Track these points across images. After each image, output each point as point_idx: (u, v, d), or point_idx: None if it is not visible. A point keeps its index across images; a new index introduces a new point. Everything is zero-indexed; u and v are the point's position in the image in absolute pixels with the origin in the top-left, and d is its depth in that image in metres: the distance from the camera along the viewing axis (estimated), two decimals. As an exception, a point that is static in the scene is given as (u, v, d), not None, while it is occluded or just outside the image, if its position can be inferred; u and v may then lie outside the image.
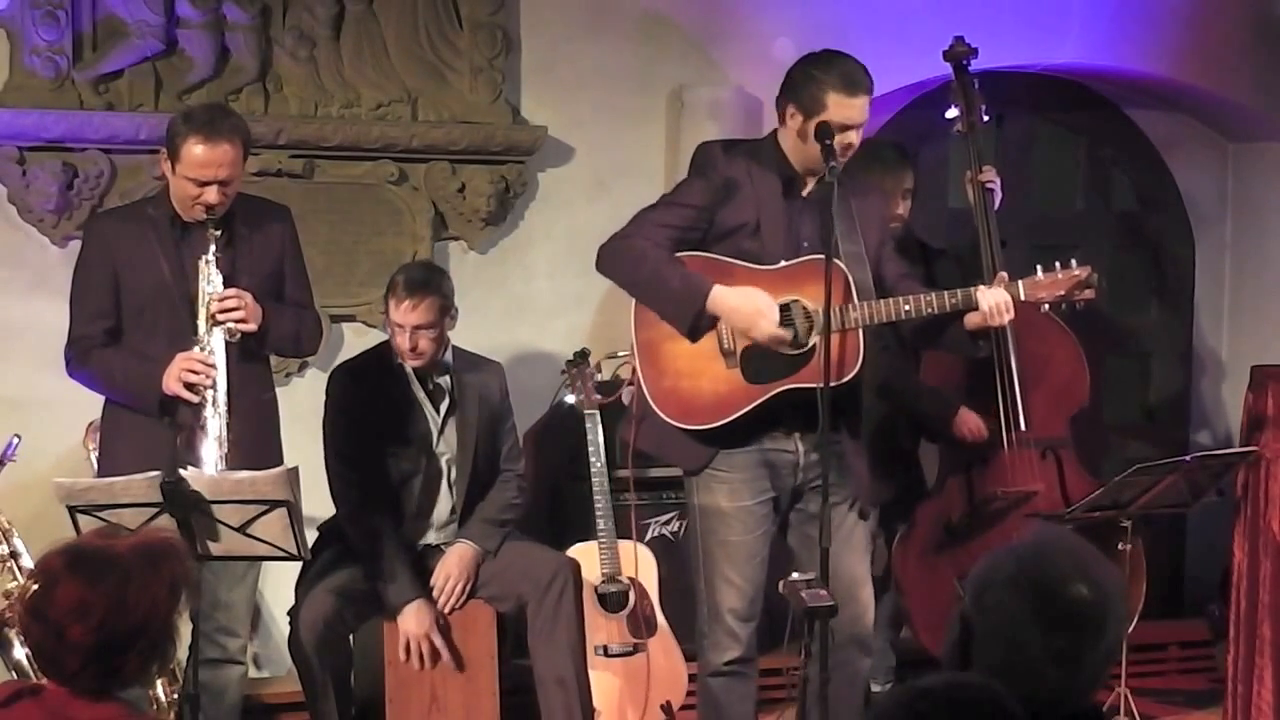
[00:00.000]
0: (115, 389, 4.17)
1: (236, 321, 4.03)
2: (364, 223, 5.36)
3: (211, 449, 3.98)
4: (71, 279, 4.23)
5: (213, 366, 4.01)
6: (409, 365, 4.55)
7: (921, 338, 4.36)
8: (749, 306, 3.98)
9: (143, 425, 4.11)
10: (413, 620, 4.46)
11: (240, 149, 4.08)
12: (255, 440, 4.15)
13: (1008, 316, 4.06)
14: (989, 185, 5.01)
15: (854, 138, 4.01)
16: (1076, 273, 4.11)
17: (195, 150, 4.00)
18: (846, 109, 3.99)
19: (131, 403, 4.14)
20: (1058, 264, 4.13)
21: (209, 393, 4.00)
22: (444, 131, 5.33)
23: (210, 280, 4.03)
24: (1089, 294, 4.13)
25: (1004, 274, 4.20)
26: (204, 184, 4.01)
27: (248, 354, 4.15)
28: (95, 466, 4.32)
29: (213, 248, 4.02)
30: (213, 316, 4.02)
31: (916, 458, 5.38)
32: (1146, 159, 6.56)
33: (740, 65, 5.60)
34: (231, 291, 4.03)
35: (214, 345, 4.03)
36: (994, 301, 4.03)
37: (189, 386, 4.01)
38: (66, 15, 4.97)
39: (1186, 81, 6.21)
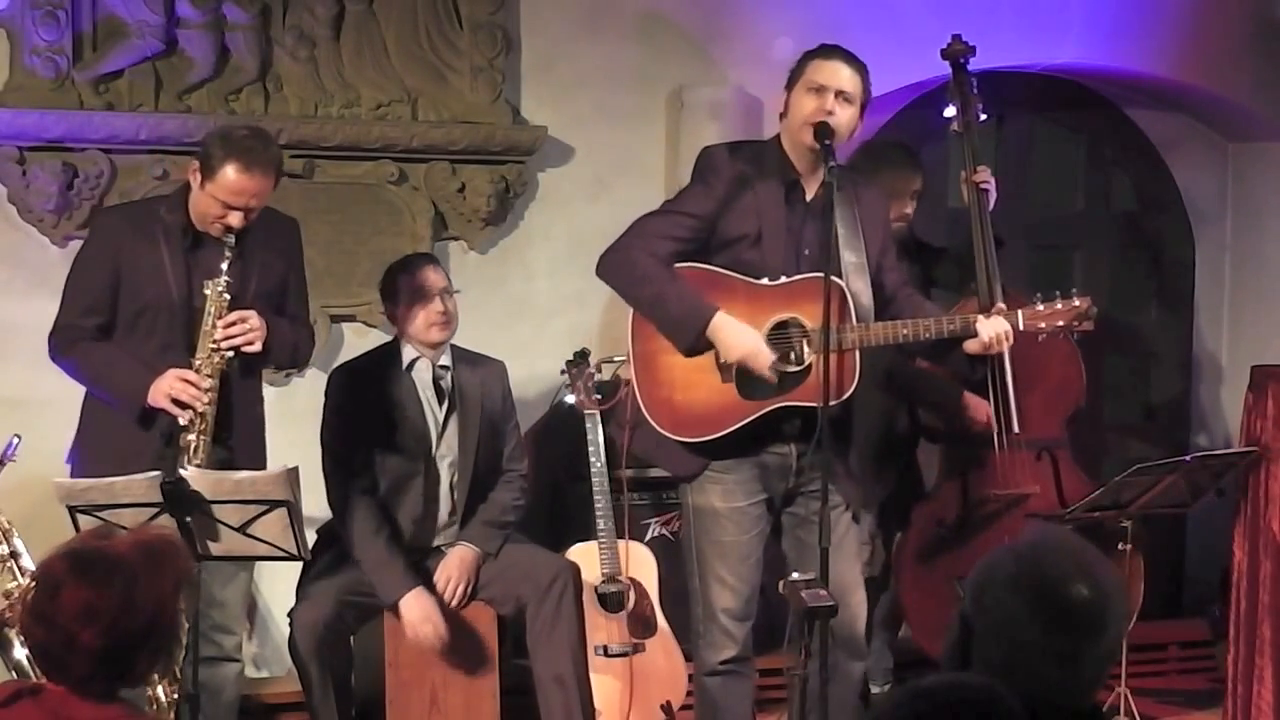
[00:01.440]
0: (98, 385, 4.15)
1: (243, 345, 4.02)
2: (364, 223, 5.36)
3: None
4: (71, 267, 4.22)
5: (205, 391, 4.00)
6: (435, 339, 4.56)
7: (924, 354, 4.40)
8: (743, 348, 3.99)
9: (124, 424, 4.09)
10: (414, 610, 4.44)
11: (274, 180, 4.08)
12: (245, 453, 4.15)
13: (1006, 345, 4.12)
14: (984, 185, 5.01)
15: (833, 103, 3.99)
16: (1076, 304, 4.15)
17: (230, 175, 3.98)
18: (819, 70, 4.02)
19: (111, 403, 4.12)
20: (1058, 294, 4.17)
21: (195, 417, 3.99)
22: (444, 131, 5.33)
23: (216, 304, 4.01)
24: (1087, 325, 4.18)
25: (1002, 305, 4.27)
26: (231, 208, 4.01)
27: (244, 368, 4.15)
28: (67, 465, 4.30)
29: (225, 266, 4.01)
30: (215, 342, 4.02)
31: (915, 459, 5.38)
32: (1146, 159, 6.56)
33: (740, 65, 5.61)
34: (235, 316, 4.02)
35: (209, 369, 4.02)
36: (994, 332, 4.08)
37: (177, 404, 3.99)
38: (66, 15, 4.97)
39: (1186, 81, 6.21)
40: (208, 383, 4.01)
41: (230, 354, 4.03)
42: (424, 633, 4.45)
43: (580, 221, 5.43)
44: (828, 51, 4.07)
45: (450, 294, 4.62)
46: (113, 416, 4.14)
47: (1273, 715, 4.86)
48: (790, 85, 4.07)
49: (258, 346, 4.06)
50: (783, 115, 4.11)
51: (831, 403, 3.88)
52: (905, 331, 4.03)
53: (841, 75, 4.02)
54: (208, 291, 4.02)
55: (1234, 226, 6.61)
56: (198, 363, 4.03)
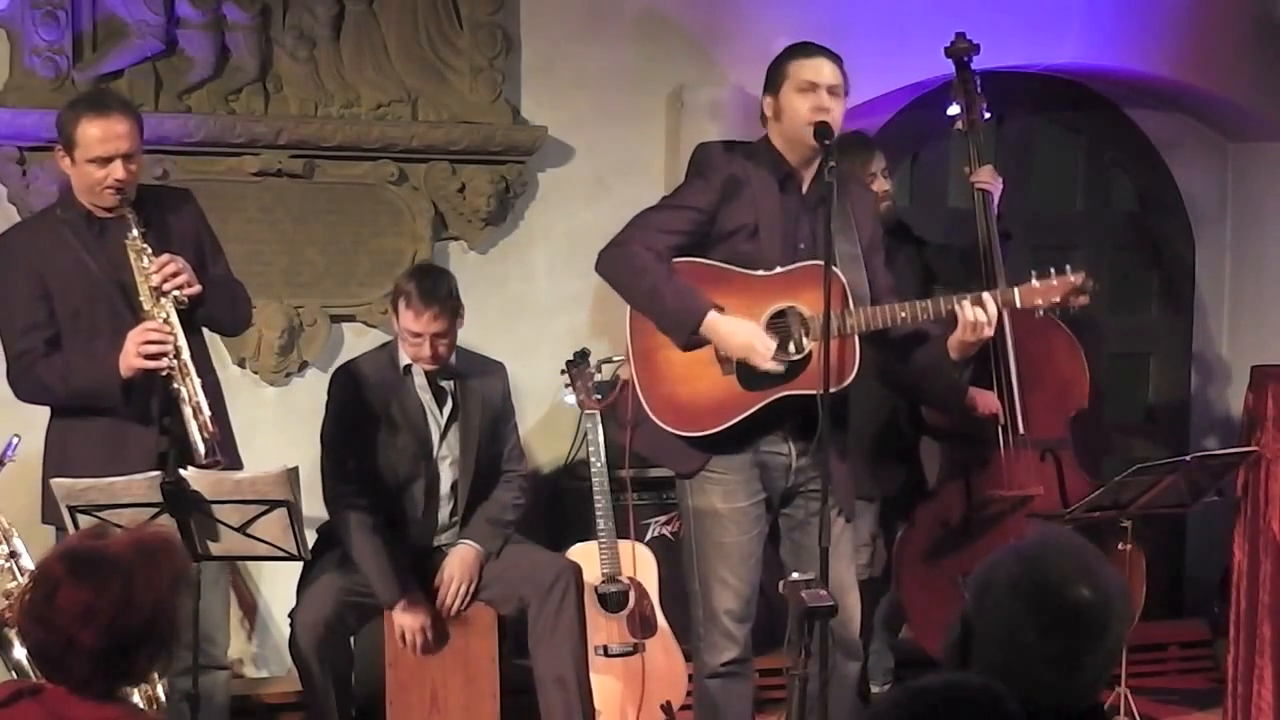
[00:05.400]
0: (72, 391, 4.06)
1: (183, 285, 3.95)
2: (364, 223, 5.36)
3: (191, 422, 3.90)
4: None
5: (171, 333, 3.93)
6: (424, 369, 4.57)
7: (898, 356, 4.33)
8: (741, 340, 3.99)
9: (97, 434, 4.05)
10: (407, 615, 4.48)
11: (133, 122, 4.02)
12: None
13: (987, 332, 4.03)
14: (982, 187, 5.02)
15: (827, 100, 4.02)
16: (1071, 279, 4.11)
17: (90, 130, 3.96)
18: (804, 68, 4.04)
19: (91, 400, 4.03)
20: (1053, 270, 4.13)
21: (174, 362, 3.92)
22: (444, 131, 5.33)
23: (142, 256, 3.95)
24: (1083, 300, 4.13)
25: (995, 293, 4.19)
26: (108, 160, 3.96)
27: (190, 329, 4.05)
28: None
29: (133, 227, 3.94)
30: (157, 288, 3.94)
31: (918, 457, 5.38)
32: (1146, 159, 6.56)
33: (740, 65, 5.60)
34: (167, 256, 3.95)
35: (166, 316, 3.94)
36: (971, 317, 3.99)
37: (151, 358, 3.91)
38: (66, 15, 4.96)
39: (1186, 81, 6.21)
40: (168, 327, 3.93)
41: (178, 291, 3.93)
42: (416, 640, 4.49)
43: (580, 221, 5.43)
44: (807, 50, 4.10)
45: (449, 334, 4.53)
46: (86, 428, 4.06)
47: (1273, 715, 4.86)
48: (774, 89, 4.09)
49: (198, 287, 3.98)
50: (767, 119, 4.11)
51: (833, 389, 3.88)
52: (903, 314, 4.01)
53: (826, 71, 4.05)
54: (130, 250, 3.94)
55: (1234, 226, 6.61)
56: (148, 310, 3.96)
